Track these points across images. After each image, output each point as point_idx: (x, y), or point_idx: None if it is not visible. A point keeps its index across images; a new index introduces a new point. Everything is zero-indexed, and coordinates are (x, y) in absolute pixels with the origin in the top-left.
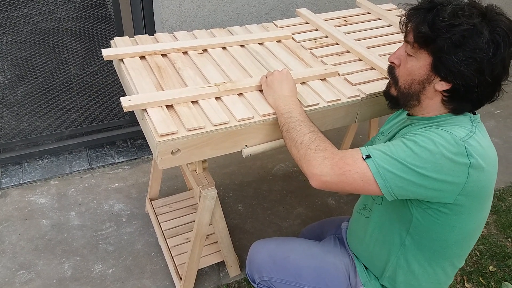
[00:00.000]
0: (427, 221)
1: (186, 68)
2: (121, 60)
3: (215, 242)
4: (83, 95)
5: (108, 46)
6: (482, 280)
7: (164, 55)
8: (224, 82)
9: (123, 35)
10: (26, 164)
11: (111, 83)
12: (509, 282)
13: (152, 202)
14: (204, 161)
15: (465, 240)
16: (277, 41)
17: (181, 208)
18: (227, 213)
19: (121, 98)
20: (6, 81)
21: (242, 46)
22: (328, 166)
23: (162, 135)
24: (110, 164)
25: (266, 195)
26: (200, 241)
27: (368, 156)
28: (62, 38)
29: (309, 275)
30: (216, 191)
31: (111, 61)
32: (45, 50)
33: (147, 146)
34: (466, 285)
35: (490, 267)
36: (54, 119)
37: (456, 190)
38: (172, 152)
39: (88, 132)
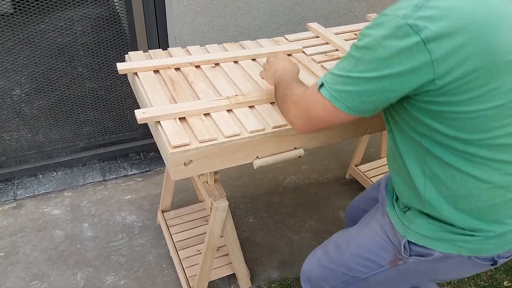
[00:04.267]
0: (428, 117)
1: (198, 81)
2: (135, 74)
3: (226, 254)
4: (97, 109)
5: (123, 60)
6: None
7: (177, 69)
8: (236, 95)
9: (137, 50)
10: (41, 176)
11: (124, 97)
12: None
13: (164, 214)
14: (215, 172)
15: (486, 119)
16: (288, 54)
17: (193, 220)
18: (238, 226)
19: (135, 110)
20: (23, 95)
21: (254, 60)
22: (294, 110)
23: (175, 147)
24: (123, 176)
25: (277, 207)
26: (211, 253)
27: (322, 85)
28: (78, 53)
29: (357, 264)
30: (228, 203)
31: (125, 75)
32: (60, 64)
33: (159, 158)
34: None
35: (505, 282)
36: (69, 131)
37: (426, 73)
38: (185, 164)
39: (102, 145)
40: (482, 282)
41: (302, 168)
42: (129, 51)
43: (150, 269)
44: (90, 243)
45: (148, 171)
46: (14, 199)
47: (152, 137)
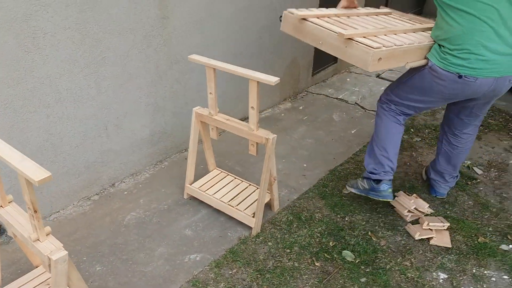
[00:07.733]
0: None
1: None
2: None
3: None
4: None
5: None
6: (327, 256)
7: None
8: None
9: None
10: None
11: None
12: (347, 251)
13: None
14: (46, 226)
15: None
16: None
17: None
18: (85, 278)
19: None
20: None
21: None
22: None
23: (375, 47)
24: None
25: (123, 247)
26: None
27: None
28: None
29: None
30: (67, 252)
31: None
32: None
33: None
34: (316, 264)
35: (331, 243)
36: None
37: None
38: (378, 60)
39: None
40: (314, 249)
41: (140, 202)
42: None
43: None
44: None
45: None
46: None
47: None
